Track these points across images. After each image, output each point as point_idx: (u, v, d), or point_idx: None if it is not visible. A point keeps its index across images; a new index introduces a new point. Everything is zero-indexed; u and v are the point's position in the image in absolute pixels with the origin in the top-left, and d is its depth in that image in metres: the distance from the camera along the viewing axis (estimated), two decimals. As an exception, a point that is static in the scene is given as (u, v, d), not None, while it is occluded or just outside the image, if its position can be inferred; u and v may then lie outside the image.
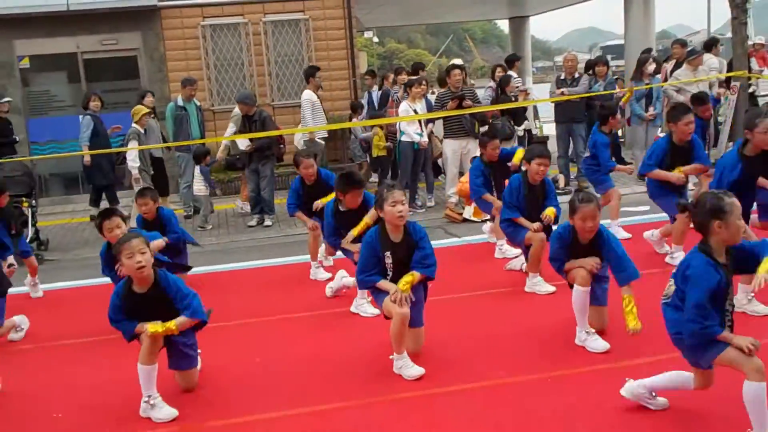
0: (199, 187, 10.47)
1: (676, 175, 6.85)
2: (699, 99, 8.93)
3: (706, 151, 8.60)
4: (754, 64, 12.70)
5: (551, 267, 5.45)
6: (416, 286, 4.99)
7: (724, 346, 3.75)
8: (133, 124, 10.30)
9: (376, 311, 6.06)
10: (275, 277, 7.77)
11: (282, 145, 11.24)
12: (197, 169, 10.45)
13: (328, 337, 5.76)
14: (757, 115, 5.89)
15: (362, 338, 5.64)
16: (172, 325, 4.64)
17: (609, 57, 16.19)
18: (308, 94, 11.24)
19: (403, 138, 10.40)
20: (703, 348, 3.84)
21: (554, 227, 6.29)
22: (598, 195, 7.44)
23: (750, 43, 13.12)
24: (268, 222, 10.31)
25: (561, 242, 5.26)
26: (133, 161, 10.08)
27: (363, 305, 6.20)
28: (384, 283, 5.00)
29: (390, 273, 5.06)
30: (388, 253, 5.02)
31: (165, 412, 4.50)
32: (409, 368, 4.83)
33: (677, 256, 6.63)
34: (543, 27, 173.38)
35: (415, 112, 10.21)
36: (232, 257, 8.81)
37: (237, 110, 10.95)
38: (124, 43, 13.54)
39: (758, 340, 3.68)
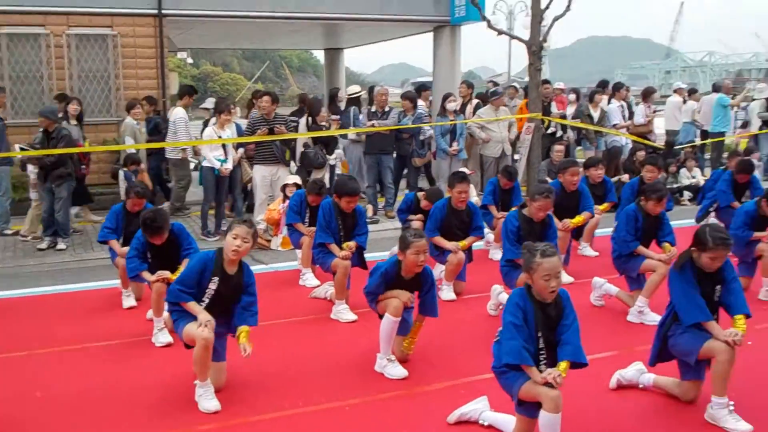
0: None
1: (452, 244, 7.13)
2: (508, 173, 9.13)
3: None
4: (555, 107, 13.66)
5: (357, 296, 5.51)
6: (223, 318, 4.88)
7: (529, 378, 3.93)
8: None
9: (170, 339, 5.86)
10: (67, 304, 7.25)
11: (84, 165, 10.64)
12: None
13: (121, 369, 5.44)
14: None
15: (156, 369, 5.40)
16: None
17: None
18: (182, 112, 11.04)
19: (205, 164, 10.19)
20: (512, 379, 4.01)
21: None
22: None
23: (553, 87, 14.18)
24: (61, 245, 9.63)
25: (385, 277, 5.30)
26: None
27: (158, 334, 5.95)
28: (194, 306, 4.78)
29: (206, 300, 4.86)
30: (216, 279, 4.84)
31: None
32: (206, 400, 4.68)
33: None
34: (359, 60, 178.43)
35: (220, 137, 10.03)
36: (18, 283, 8.12)
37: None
38: None
39: (563, 375, 3.89)
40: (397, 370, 5.15)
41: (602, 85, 14.48)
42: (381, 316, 5.26)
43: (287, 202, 8.61)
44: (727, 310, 4.61)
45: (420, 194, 8.39)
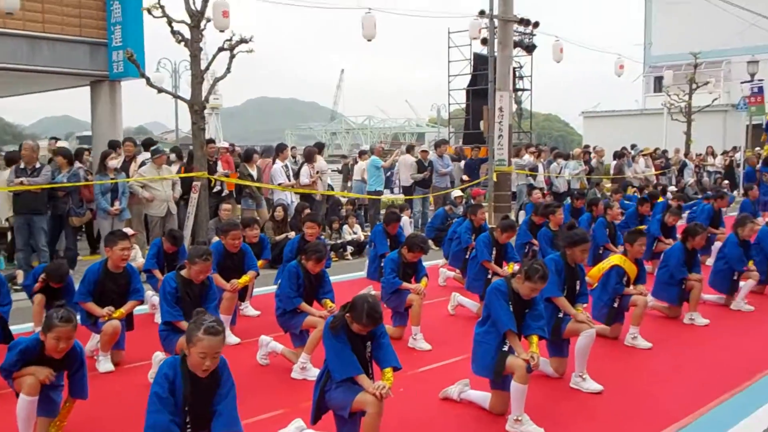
0: None
1: (107, 310, 6.61)
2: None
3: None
4: (221, 166, 13.61)
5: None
6: None
7: None
8: None
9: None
10: None
11: None
12: None
13: None
14: None
15: None
16: None
17: (87, 147, 15.98)
18: None
19: None
20: None
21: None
22: None
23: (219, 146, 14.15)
24: None
25: (24, 355, 4.78)
26: None
27: None
28: None
29: None
30: None
31: None
32: None
33: None
34: (15, 111, 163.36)
35: None
36: None
37: None
38: None
39: None
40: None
41: (280, 148, 14.66)
42: (17, 395, 4.71)
43: None
44: (378, 364, 4.83)
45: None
